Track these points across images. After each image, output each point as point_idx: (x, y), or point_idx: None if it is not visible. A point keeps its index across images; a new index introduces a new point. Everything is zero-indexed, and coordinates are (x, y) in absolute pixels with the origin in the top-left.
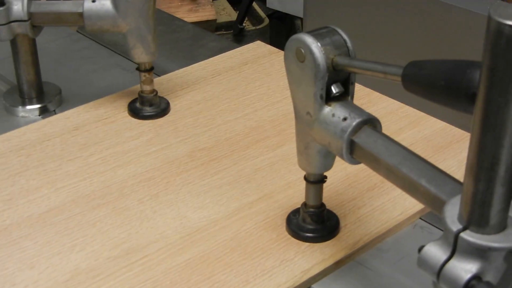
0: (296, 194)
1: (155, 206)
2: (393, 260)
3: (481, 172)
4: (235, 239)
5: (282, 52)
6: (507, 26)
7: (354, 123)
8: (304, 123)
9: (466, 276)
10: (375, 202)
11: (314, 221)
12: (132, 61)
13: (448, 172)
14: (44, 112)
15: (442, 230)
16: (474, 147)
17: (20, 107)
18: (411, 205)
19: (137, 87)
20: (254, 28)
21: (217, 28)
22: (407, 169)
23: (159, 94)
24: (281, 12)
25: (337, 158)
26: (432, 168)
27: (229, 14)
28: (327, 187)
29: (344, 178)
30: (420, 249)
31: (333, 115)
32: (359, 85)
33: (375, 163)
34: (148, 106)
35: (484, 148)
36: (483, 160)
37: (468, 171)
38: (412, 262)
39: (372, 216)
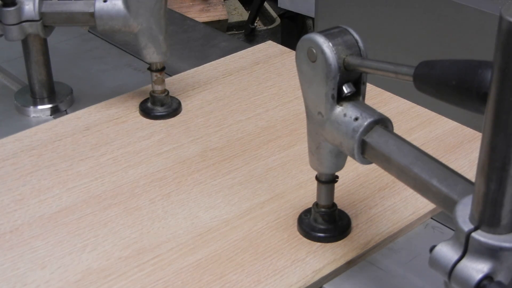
0: (307, 194)
1: (166, 206)
2: (405, 260)
3: (492, 172)
4: (247, 239)
5: (293, 52)
6: None
7: (365, 123)
8: (316, 123)
9: (478, 276)
10: (386, 202)
11: (326, 221)
12: (144, 61)
13: (459, 172)
14: (56, 112)
15: (453, 230)
16: (486, 147)
17: (31, 107)
18: (423, 205)
19: (149, 87)
20: (265, 28)
21: (228, 28)
22: (419, 169)
23: (170, 94)
24: (293, 12)
25: (349, 158)
26: (443, 168)
27: (241, 14)
28: (339, 187)
29: (356, 178)
30: (431, 249)
31: (345, 115)
32: (371, 85)
33: (387, 163)
34: (160, 106)
35: (495, 148)
36: (494, 160)
37: (479, 171)
38: (423, 262)
39: (384, 216)
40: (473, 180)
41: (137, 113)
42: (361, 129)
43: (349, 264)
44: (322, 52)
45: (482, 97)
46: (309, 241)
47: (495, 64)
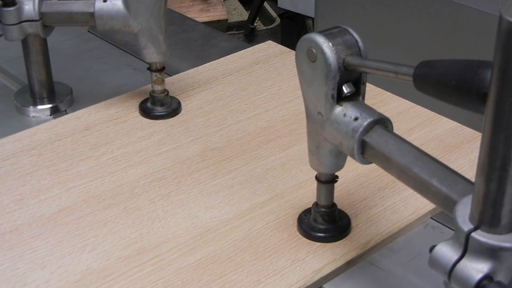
0: (307, 194)
1: (166, 206)
2: (405, 260)
3: (492, 172)
4: (247, 239)
5: (293, 52)
6: None
7: (365, 123)
8: (316, 123)
9: (478, 276)
10: (386, 202)
11: (326, 221)
12: (143, 61)
13: (459, 172)
14: (55, 112)
15: (453, 230)
16: (486, 147)
17: (31, 107)
18: (423, 205)
19: (148, 87)
20: (265, 28)
21: (228, 28)
22: (419, 169)
23: (170, 94)
24: (293, 12)
25: (349, 158)
26: (443, 168)
27: (240, 14)
28: (339, 187)
29: (356, 178)
30: (431, 249)
31: (345, 115)
32: (370, 85)
33: (387, 163)
34: (159, 106)
35: (495, 148)
36: (494, 160)
37: (479, 171)
38: (423, 262)
39: (384, 216)
40: (473, 180)
41: (137, 113)
42: (361, 129)
43: (349, 264)
44: (322, 52)
45: (482, 97)
46: (309, 241)
47: (495, 64)
